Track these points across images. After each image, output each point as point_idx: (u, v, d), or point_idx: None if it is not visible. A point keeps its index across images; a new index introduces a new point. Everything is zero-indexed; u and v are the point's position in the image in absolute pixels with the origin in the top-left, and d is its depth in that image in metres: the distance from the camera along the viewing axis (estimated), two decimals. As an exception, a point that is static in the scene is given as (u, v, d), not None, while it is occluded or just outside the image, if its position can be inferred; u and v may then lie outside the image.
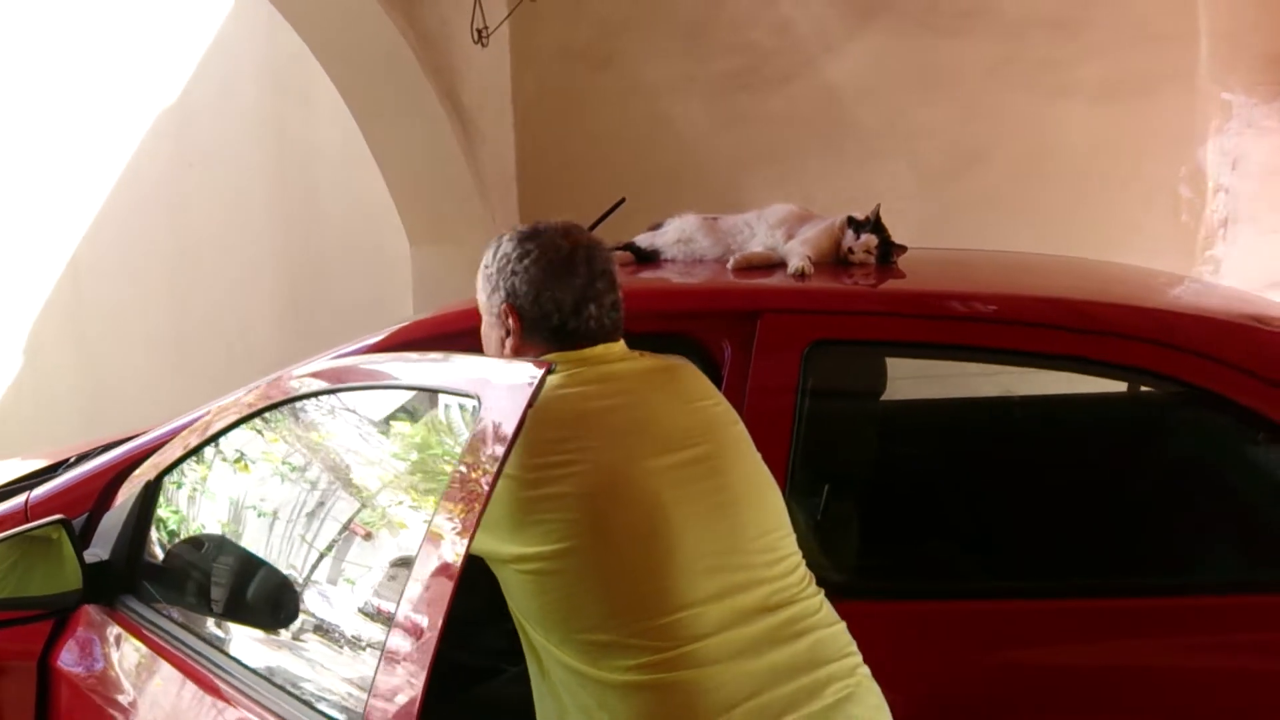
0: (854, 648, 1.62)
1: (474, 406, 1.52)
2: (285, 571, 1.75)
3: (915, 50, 4.46)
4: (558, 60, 4.54)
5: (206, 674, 1.72)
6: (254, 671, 1.68)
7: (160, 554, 1.96)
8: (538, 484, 1.52)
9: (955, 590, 1.89)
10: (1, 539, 1.91)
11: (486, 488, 1.42)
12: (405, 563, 1.49)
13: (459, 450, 1.50)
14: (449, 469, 1.50)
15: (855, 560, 2.01)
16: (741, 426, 1.70)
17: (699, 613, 1.50)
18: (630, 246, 2.36)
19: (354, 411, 1.80)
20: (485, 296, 1.69)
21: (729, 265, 2.18)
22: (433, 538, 1.45)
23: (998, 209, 4.48)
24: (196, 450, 1.94)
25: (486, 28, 4.36)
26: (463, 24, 4.23)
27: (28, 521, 1.97)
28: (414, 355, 1.83)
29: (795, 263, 2.10)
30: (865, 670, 1.61)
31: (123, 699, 1.86)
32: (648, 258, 2.34)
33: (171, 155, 4.92)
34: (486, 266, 1.71)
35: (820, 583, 1.66)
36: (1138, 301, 2.10)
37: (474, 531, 1.42)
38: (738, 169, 4.53)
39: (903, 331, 1.95)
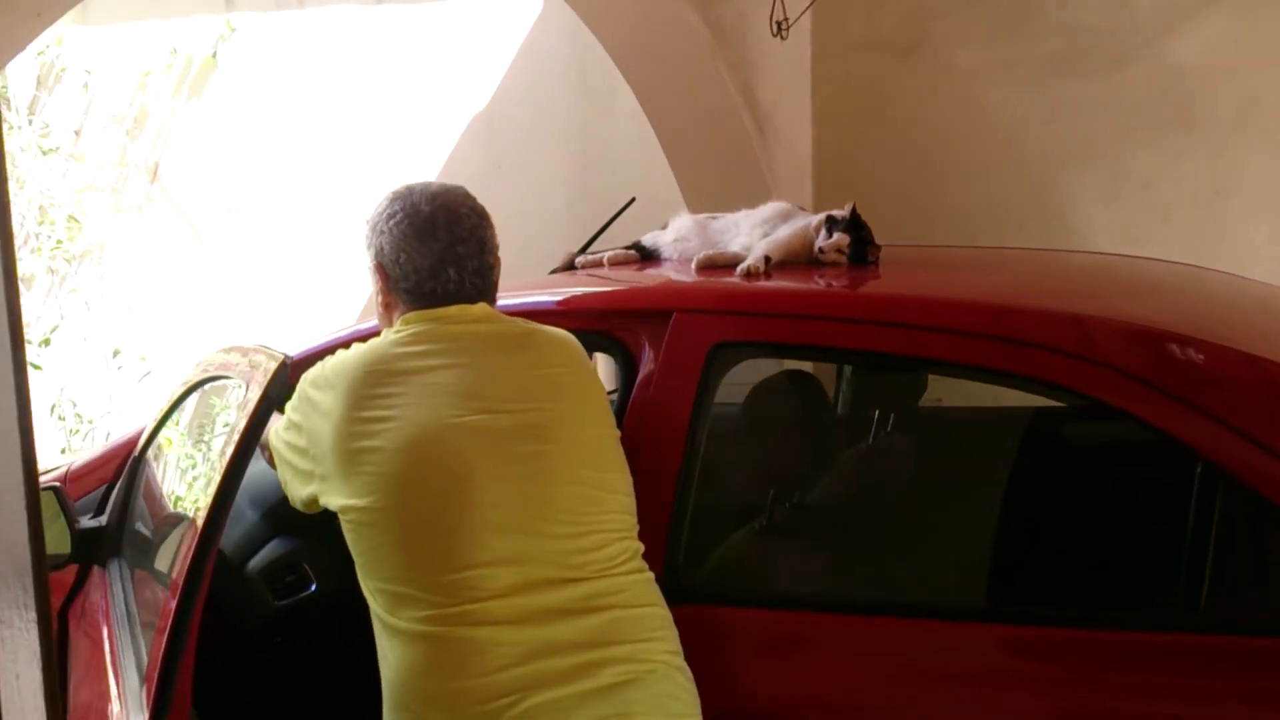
0: (663, 634, 1.58)
1: (243, 392, 1.68)
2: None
3: (1281, 22, 3.85)
4: (861, 50, 4.28)
5: (113, 633, 1.91)
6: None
7: (137, 520, 2.16)
8: (357, 436, 1.56)
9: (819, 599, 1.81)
10: None
11: (226, 464, 1.57)
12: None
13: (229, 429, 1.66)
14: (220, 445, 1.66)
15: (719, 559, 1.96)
16: (595, 401, 1.69)
17: (487, 573, 1.50)
18: (636, 245, 2.40)
19: (215, 396, 1.97)
20: (365, 250, 1.75)
21: (693, 265, 2.14)
22: (198, 512, 1.62)
23: (1385, 204, 3.79)
24: (156, 430, 2.16)
25: (787, 19, 4.18)
26: (761, 17, 4.06)
27: (65, 490, 2.23)
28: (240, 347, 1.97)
29: (746, 262, 2.03)
30: (669, 659, 1.56)
31: (86, 650, 2.04)
32: (650, 256, 2.36)
33: (482, 158, 5.11)
34: (367, 222, 1.75)
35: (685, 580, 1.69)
36: (1049, 304, 1.89)
37: (210, 510, 1.56)
38: (1058, 162, 4.09)
39: (796, 334, 1.90)
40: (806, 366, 2.28)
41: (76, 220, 5.75)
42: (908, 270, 2.20)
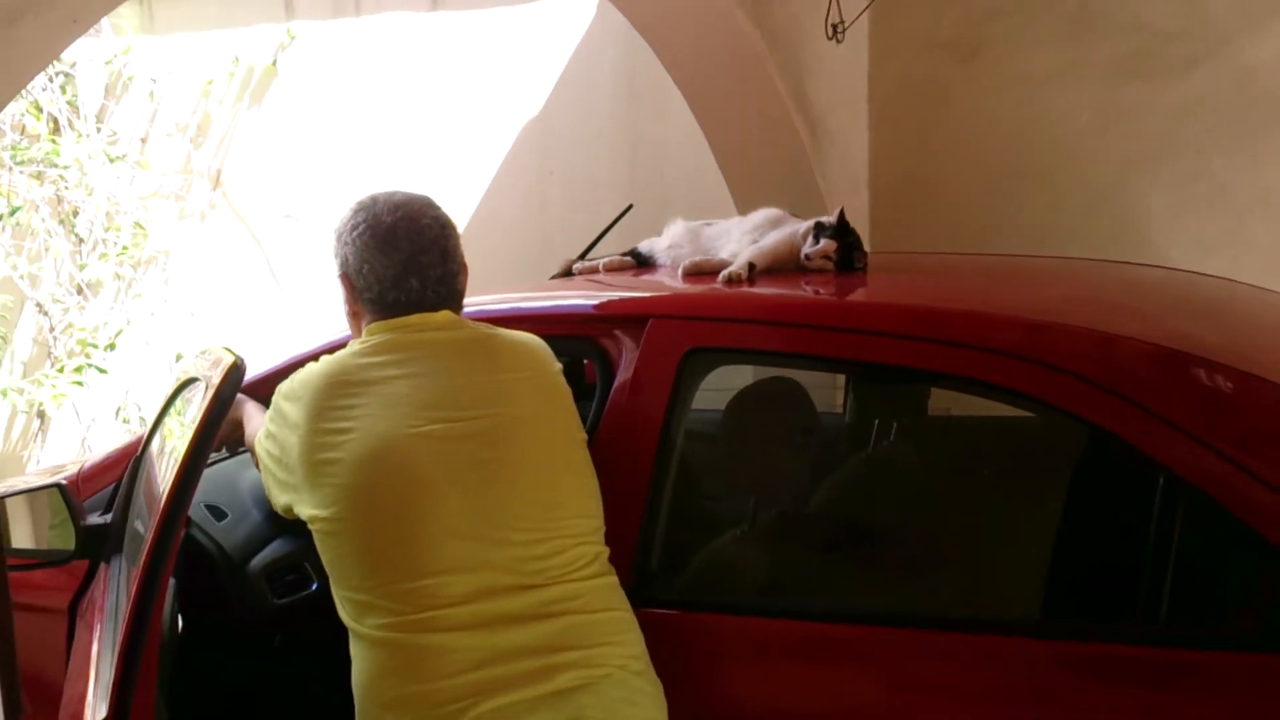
0: (623, 639, 1.58)
1: (203, 391, 1.74)
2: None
3: (1368, 20, 3.65)
4: (920, 53, 4.16)
5: (103, 627, 1.96)
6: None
7: (135, 517, 2.20)
8: (321, 448, 1.59)
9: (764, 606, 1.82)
10: (6, 495, 2.33)
11: (180, 461, 1.63)
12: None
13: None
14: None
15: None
16: (556, 405, 1.69)
17: (444, 581, 1.52)
18: (633, 252, 2.42)
19: (189, 399, 2.00)
20: (334, 260, 1.77)
21: (679, 271, 2.16)
22: (160, 507, 1.68)
23: None
24: (154, 428, 2.21)
25: (843, 21, 4.08)
26: (815, 20, 3.97)
27: (79, 488, 2.32)
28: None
29: (729, 269, 2.04)
30: (627, 664, 1.56)
31: (84, 644, 2.07)
32: (646, 262, 2.37)
33: (535, 164, 5.08)
34: (334, 232, 1.77)
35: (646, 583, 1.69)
36: (999, 309, 1.87)
37: (166, 505, 1.60)
38: (1127, 168, 3.93)
39: (765, 340, 1.90)
40: (781, 373, 2.30)
41: (142, 227, 5.85)
42: (887, 277, 2.20)
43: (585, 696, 1.52)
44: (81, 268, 5.88)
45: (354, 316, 1.77)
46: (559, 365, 1.78)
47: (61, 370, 5.71)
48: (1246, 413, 1.57)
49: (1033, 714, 1.55)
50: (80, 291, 5.91)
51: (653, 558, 1.79)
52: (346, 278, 1.75)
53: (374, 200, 1.74)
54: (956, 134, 4.12)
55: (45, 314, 5.96)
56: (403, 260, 1.69)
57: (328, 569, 1.62)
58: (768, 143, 3.99)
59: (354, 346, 1.71)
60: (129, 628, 1.60)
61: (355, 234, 1.72)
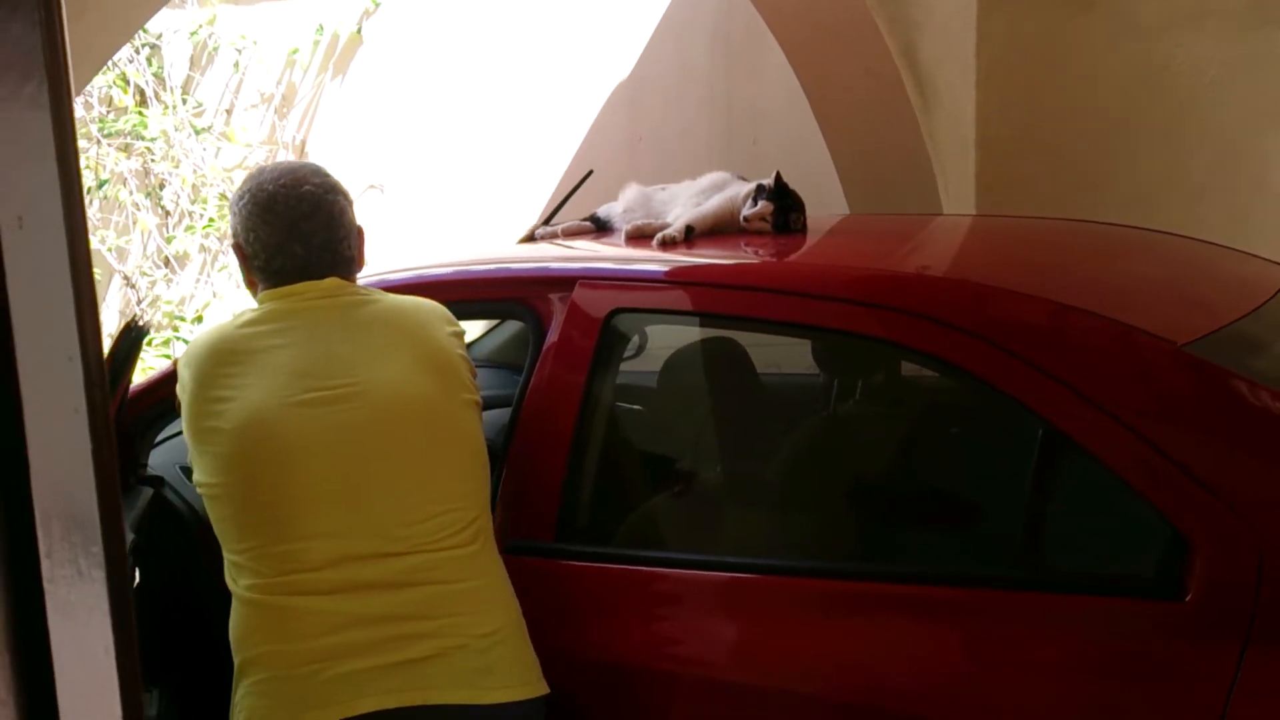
0: (486, 609, 1.62)
1: None
2: None
3: None
4: (1033, 3, 3.97)
5: None
6: None
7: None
8: (204, 416, 1.63)
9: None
10: None
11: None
12: None
13: None
14: None
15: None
16: (437, 371, 1.68)
17: (307, 546, 1.57)
18: (592, 217, 2.47)
19: None
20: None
21: (623, 234, 2.24)
22: None
23: None
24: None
25: (951, -27, 3.91)
26: (923, -29, 3.81)
27: None
28: None
29: (664, 232, 2.11)
30: (492, 634, 1.59)
31: None
32: (604, 227, 2.42)
33: (625, 128, 4.95)
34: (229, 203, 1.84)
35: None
36: (895, 268, 2.01)
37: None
38: (1256, 125, 3.71)
39: (681, 302, 1.98)
40: (705, 334, 2.36)
41: (228, 198, 5.84)
42: (818, 240, 2.25)
43: (434, 668, 1.56)
44: (169, 240, 5.90)
45: (250, 286, 1.79)
46: (455, 328, 1.79)
47: (150, 343, 5.74)
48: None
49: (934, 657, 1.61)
50: (167, 264, 5.94)
51: (575, 515, 1.87)
52: (239, 247, 1.77)
53: (261, 170, 1.78)
54: (1070, 90, 3.94)
55: (133, 287, 6.00)
56: (285, 227, 1.71)
57: (215, 531, 1.66)
58: (874, 103, 3.84)
59: (240, 315, 1.73)
60: None
61: (242, 204, 1.74)
